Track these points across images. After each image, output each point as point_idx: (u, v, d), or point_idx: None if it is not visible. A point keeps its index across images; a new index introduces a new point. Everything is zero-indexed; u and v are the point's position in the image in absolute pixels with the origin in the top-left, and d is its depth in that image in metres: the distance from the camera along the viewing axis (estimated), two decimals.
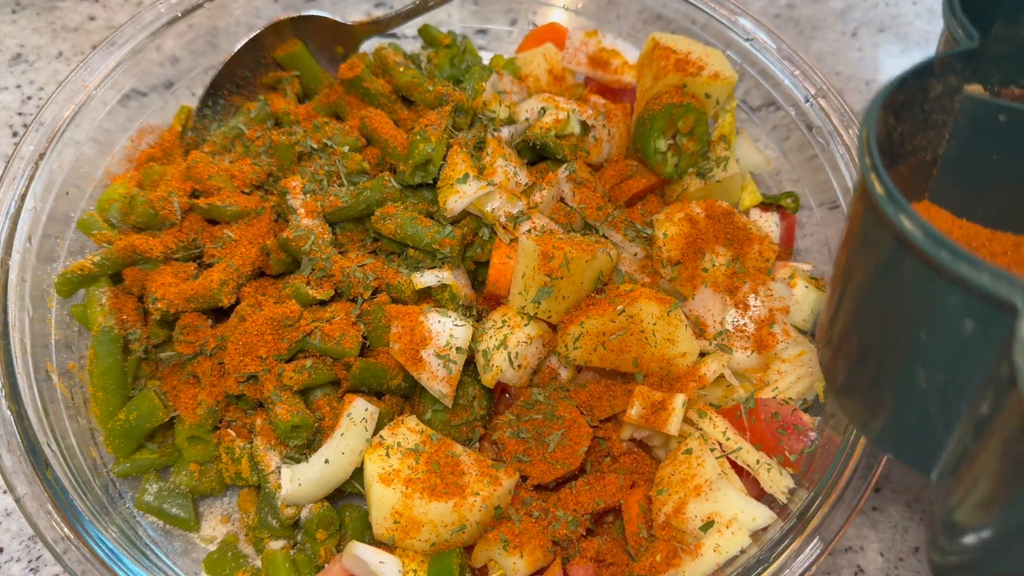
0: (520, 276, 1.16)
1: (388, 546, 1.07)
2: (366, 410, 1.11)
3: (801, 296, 1.23)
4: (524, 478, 1.12)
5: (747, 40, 1.42)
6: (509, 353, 1.14)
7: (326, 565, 1.11)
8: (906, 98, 0.86)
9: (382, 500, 1.03)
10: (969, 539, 0.75)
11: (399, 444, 1.08)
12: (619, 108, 1.41)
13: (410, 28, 1.55)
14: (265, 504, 1.11)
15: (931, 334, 0.75)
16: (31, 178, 1.21)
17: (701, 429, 1.13)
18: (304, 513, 1.10)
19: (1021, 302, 0.64)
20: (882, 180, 0.73)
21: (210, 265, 1.19)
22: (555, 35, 1.53)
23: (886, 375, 0.83)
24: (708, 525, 1.03)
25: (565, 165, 1.29)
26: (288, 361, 1.13)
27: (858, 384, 0.89)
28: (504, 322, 1.17)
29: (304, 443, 1.11)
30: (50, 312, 1.20)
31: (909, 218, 0.71)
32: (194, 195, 1.24)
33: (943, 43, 1.01)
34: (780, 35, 1.42)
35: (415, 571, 1.05)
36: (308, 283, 1.16)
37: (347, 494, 1.16)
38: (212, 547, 1.16)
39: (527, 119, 1.34)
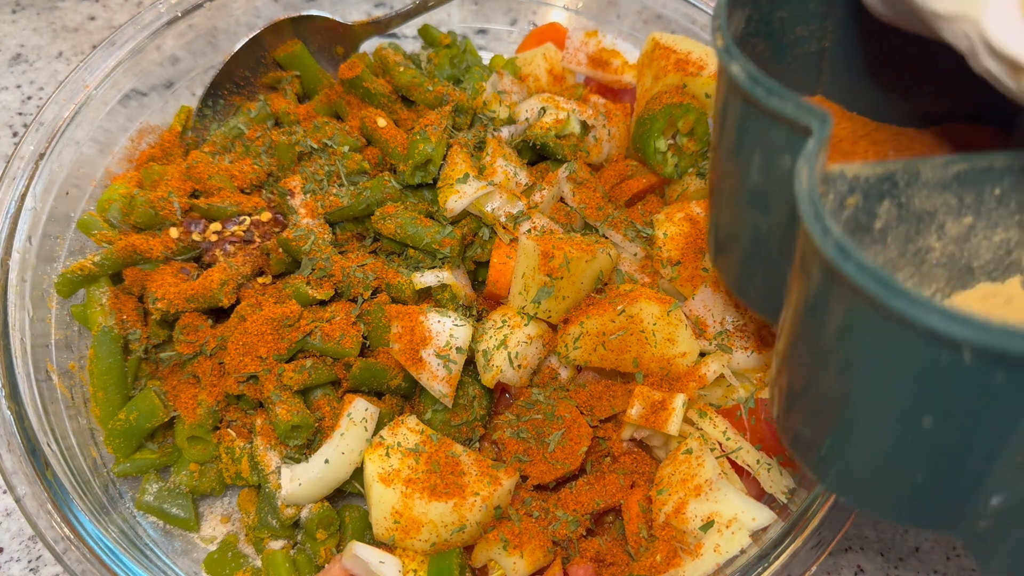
0: (520, 276, 1.16)
1: (388, 546, 1.08)
2: (366, 410, 1.11)
3: None
4: (524, 478, 1.12)
5: None
6: (509, 353, 1.14)
7: (326, 565, 1.11)
8: None
9: (382, 500, 1.03)
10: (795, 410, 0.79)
11: (399, 444, 1.08)
12: (619, 108, 1.41)
13: (410, 28, 1.55)
14: (265, 504, 1.11)
15: (761, 175, 0.80)
16: (31, 178, 1.21)
17: (701, 429, 1.13)
18: (304, 513, 1.10)
19: (816, 125, 0.70)
20: (724, 36, 0.79)
21: (210, 265, 1.19)
22: (555, 35, 1.53)
23: (734, 229, 0.88)
24: (708, 525, 1.03)
25: (565, 165, 1.29)
26: (288, 361, 1.13)
27: (722, 252, 0.94)
28: (504, 322, 1.17)
29: (304, 443, 1.11)
30: (50, 312, 1.20)
31: (738, 63, 0.76)
32: (194, 195, 1.24)
33: None
34: None
35: (415, 571, 1.05)
36: (308, 283, 1.16)
37: (347, 494, 1.16)
38: (212, 547, 1.16)
39: (527, 119, 1.34)
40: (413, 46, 1.54)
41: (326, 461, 1.08)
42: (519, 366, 1.15)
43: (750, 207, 0.84)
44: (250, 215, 1.22)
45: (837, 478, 0.77)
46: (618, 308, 1.12)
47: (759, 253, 0.86)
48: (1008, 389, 0.58)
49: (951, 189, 0.81)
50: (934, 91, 0.96)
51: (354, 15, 1.51)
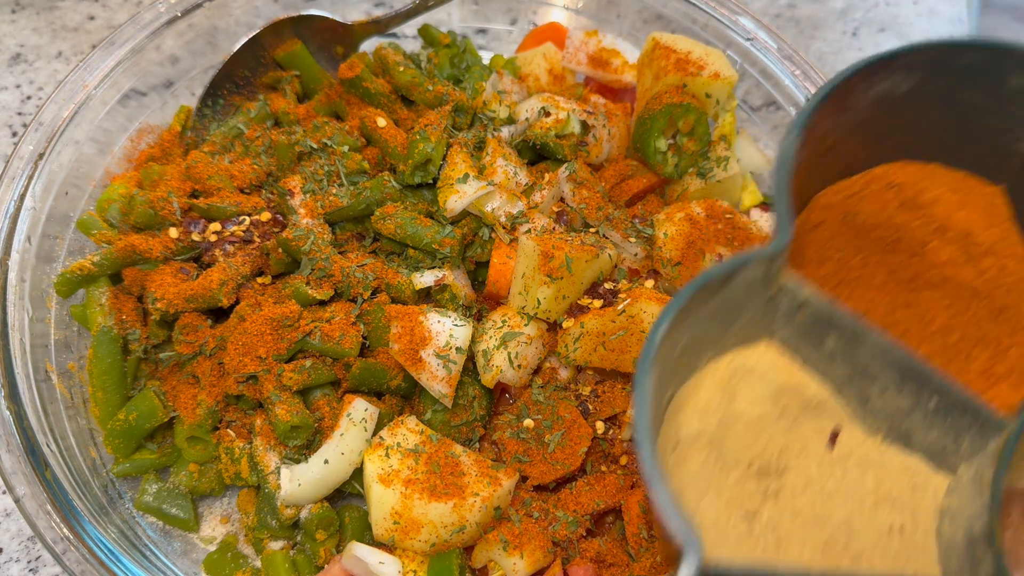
0: (520, 276, 1.16)
1: (388, 547, 1.07)
2: (366, 410, 1.11)
3: None
4: (524, 478, 1.12)
5: (747, 40, 1.42)
6: (509, 353, 1.14)
7: (326, 566, 1.11)
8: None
9: (382, 500, 1.03)
10: None
11: (399, 444, 1.08)
12: (619, 108, 1.41)
13: (410, 28, 1.55)
14: (265, 504, 1.11)
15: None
16: (30, 178, 1.21)
17: None
18: (304, 513, 1.10)
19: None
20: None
21: (210, 265, 1.19)
22: (555, 35, 1.53)
23: None
24: None
25: (565, 165, 1.29)
26: (288, 361, 1.13)
27: None
28: (504, 322, 1.17)
29: (303, 443, 1.10)
30: (49, 312, 1.20)
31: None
32: (194, 195, 1.24)
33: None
34: (780, 35, 1.42)
35: (415, 572, 1.05)
36: (308, 283, 1.16)
37: (347, 494, 1.16)
38: (212, 547, 1.16)
39: (527, 119, 1.34)
40: (413, 46, 1.53)
41: (326, 461, 1.08)
42: (519, 366, 1.15)
43: None
44: (249, 215, 1.22)
45: None
46: (618, 308, 1.11)
47: None
48: None
49: (895, 371, 0.84)
50: None
51: (354, 15, 1.50)
